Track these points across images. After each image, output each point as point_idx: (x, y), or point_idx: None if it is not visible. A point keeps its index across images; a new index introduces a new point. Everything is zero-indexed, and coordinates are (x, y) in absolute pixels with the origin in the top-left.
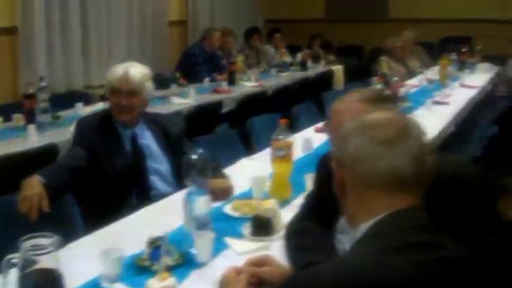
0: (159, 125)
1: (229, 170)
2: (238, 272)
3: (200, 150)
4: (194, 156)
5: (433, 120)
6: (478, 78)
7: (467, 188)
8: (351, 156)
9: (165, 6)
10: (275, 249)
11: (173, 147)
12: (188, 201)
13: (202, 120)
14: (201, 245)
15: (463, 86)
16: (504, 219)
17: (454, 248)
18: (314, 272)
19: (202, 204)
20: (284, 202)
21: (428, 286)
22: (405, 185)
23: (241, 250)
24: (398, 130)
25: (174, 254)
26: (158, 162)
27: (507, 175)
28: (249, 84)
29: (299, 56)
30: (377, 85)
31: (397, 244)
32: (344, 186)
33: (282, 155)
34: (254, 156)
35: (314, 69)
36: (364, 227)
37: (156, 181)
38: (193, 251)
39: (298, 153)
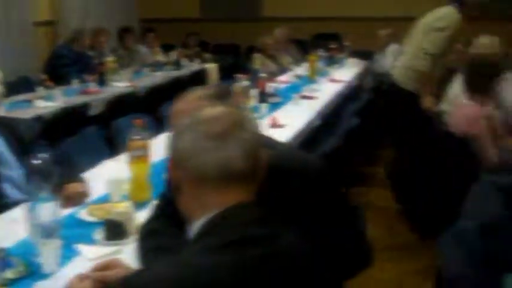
0: (10, 129)
1: (89, 174)
2: (82, 278)
3: (44, 155)
4: (37, 161)
5: (300, 114)
6: (346, 73)
7: (311, 181)
8: (183, 152)
9: (31, 6)
10: (129, 253)
11: (26, 152)
12: (33, 208)
13: (69, 123)
14: (47, 254)
15: (331, 80)
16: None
17: (290, 241)
18: (145, 274)
19: (48, 211)
20: (144, 204)
21: (262, 280)
22: (237, 179)
23: (93, 256)
24: (230, 125)
25: (18, 265)
26: (10, 169)
27: (365, 164)
28: (121, 85)
29: (173, 55)
30: (242, 82)
31: (228, 240)
32: (179, 184)
33: (139, 156)
34: (117, 158)
35: (189, 68)
36: (197, 224)
37: (8, 189)
38: (39, 261)
39: (163, 153)
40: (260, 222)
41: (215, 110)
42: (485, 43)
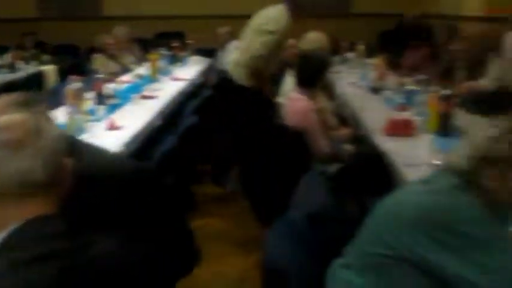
0: None
1: None
2: None
3: None
4: None
5: (140, 114)
6: (189, 71)
7: (124, 185)
8: None
9: None
10: None
11: None
12: None
13: None
14: None
15: (173, 79)
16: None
17: (104, 249)
18: None
19: None
20: None
21: None
22: (36, 190)
23: None
24: (25, 133)
25: None
26: None
27: (204, 163)
28: None
29: (7, 57)
30: (75, 84)
31: (27, 256)
32: None
33: None
34: None
35: (25, 71)
36: None
37: None
38: None
39: None
40: (63, 234)
41: (9, 118)
42: (313, 39)
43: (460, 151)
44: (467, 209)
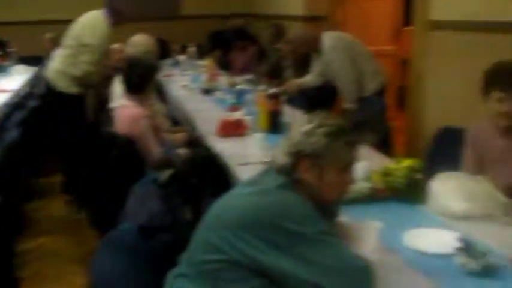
0: None
1: None
2: None
3: None
4: None
5: None
6: (13, 81)
7: None
8: None
9: None
10: None
11: None
12: None
13: None
14: None
15: None
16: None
17: None
18: None
19: None
20: None
21: None
22: None
23: None
24: None
25: None
26: None
27: (41, 176)
28: None
29: None
30: None
31: None
32: None
33: None
34: None
35: None
36: None
37: None
38: None
39: None
40: None
41: None
42: (139, 42)
43: (280, 148)
44: (293, 207)
